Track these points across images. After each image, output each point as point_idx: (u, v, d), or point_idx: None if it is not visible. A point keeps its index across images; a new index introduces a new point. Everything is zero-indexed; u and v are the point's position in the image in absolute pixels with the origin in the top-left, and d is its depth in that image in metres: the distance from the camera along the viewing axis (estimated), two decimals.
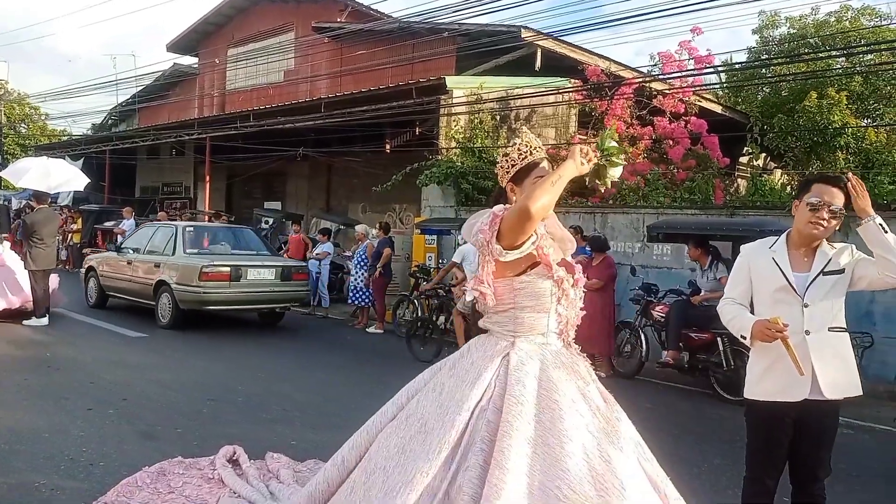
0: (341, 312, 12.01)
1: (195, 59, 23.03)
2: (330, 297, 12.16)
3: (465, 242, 8.12)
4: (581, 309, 2.48)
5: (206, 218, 17.77)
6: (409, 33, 14.78)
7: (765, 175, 16.62)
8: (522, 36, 12.88)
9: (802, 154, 15.38)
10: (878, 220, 2.67)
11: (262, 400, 5.97)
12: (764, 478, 2.89)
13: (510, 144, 2.46)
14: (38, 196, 9.66)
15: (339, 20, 17.19)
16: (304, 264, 11.17)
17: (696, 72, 12.48)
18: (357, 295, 10.65)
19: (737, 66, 17.93)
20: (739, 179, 16.22)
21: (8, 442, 4.50)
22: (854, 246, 2.89)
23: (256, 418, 5.41)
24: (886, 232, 2.66)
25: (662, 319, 7.51)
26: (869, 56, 16.67)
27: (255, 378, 6.85)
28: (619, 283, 8.31)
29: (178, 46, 22.85)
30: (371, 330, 10.29)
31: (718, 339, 6.88)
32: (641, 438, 2.43)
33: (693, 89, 12.70)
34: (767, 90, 18.55)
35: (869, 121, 16.68)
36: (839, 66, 16.80)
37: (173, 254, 9.65)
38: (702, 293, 7.32)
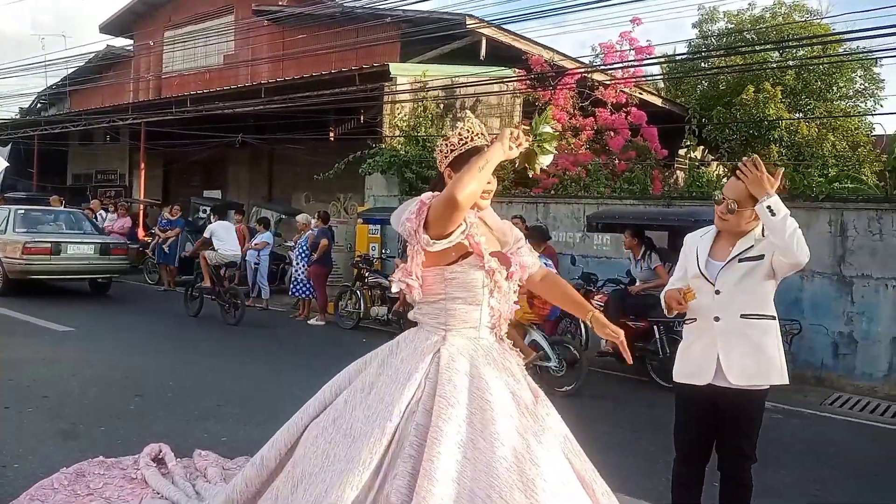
0: (283, 304, 11.78)
1: (130, 41, 22.16)
2: (272, 289, 11.90)
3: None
4: (515, 303, 2.43)
5: (142, 207, 17.20)
6: (352, 18, 14.54)
7: (702, 167, 17.03)
8: (467, 24, 12.82)
9: (738, 146, 15.82)
10: (769, 202, 2.62)
11: (194, 395, 5.77)
12: (686, 459, 2.96)
13: (453, 129, 2.37)
14: None
15: (280, 3, 16.78)
16: (122, 241, 12.60)
17: (636, 62, 12.65)
18: (298, 286, 10.44)
19: (677, 58, 18.30)
20: (679, 171, 16.58)
21: None
22: None
23: (187, 414, 5.22)
24: (774, 214, 2.62)
25: (601, 308, 7.59)
26: (801, 52, 17.29)
27: (188, 372, 6.63)
28: (560, 273, 8.35)
29: (111, 27, 21.91)
30: (312, 322, 10.10)
31: (655, 327, 6.99)
32: (569, 432, 2.40)
33: (634, 80, 12.87)
34: (706, 83, 19.00)
35: (801, 115, 17.27)
36: (774, 60, 17.33)
37: (4, 232, 11.10)
38: (637, 283, 7.42)
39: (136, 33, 21.53)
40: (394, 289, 2.39)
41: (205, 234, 10.06)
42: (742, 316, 2.79)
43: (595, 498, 2.30)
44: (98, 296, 11.70)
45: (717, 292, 2.81)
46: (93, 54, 21.97)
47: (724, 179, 15.29)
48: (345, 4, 14.19)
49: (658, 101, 16.26)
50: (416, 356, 2.25)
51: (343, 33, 15.10)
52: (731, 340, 2.79)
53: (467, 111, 2.59)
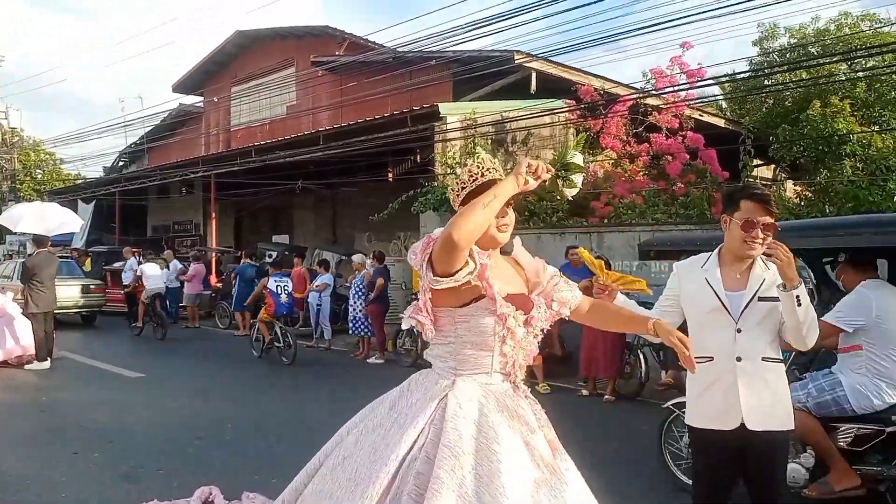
0: (346, 343, 11.97)
1: (200, 98, 23.44)
2: (335, 328, 12.12)
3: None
4: (536, 348, 2.30)
5: (214, 255, 17.93)
6: (404, 62, 14.94)
7: (772, 186, 16.42)
8: (515, 59, 12.95)
9: (809, 164, 15.18)
10: (798, 292, 2.53)
11: (250, 437, 5.92)
12: (708, 502, 2.79)
13: (463, 166, 2.29)
14: (38, 240, 9.78)
15: (336, 53, 17.43)
16: (99, 282, 15.55)
17: (687, 86, 12.43)
18: (357, 325, 10.61)
19: (738, 76, 17.84)
20: None
21: None
22: None
23: (242, 456, 5.35)
24: (801, 304, 2.54)
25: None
26: (871, 62, 16.57)
27: (247, 414, 6.81)
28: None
29: (183, 86, 23.27)
30: (372, 360, 10.22)
31: None
32: (588, 490, 2.25)
33: (686, 103, 12.64)
34: (770, 101, 18.44)
35: (876, 127, 16.45)
36: (842, 73, 16.66)
37: (11, 279, 13.94)
38: None
39: (205, 90, 22.77)
40: (404, 325, 2.36)
41: (136, 273, 13.69)
42: (763, 359, 2.67)
43: None
44: (171, 341, 12.21)
45: (739, 331, 2.67)
46: (167, 112, 23.34)
47: (796, 199, 14.72)
48: (396, 50, 14.59)
49: (720, 122, 15.88)
50: (424, 401, 2.17)
51: (397, 77, 15.52)
52: (754, 383, 2.65)
53: (478, 149, 2.53)
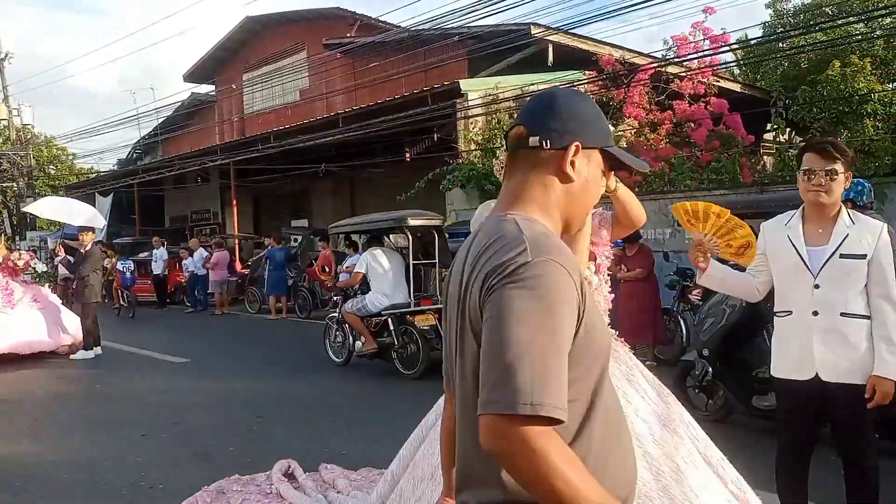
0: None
1: (212, 87, 23.44)
2: None
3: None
4: (609, 292, 2.45)
5: (237, 241, 18.04)
6: (420, 41, 14.88)
7: (791, 150, 16.35)
8: (532, 33, 12.88)
9: (829, 125, 15.09)
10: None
11: (309, 414, 6.05)
12: (790, 451, 2.91)
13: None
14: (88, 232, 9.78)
15: (349, 35, 17.36)
16: None
17: (711, 52, 12.34)
18: None
19: (752, 42, 17.66)
20: (765, 157, 15.95)
21: (69, 472, 4.62)
22: (885, 227, 2.74)
23: (305, 433, 5.47)
24: None
25: (700, 302, 7.41)
26: (888, 20, 16.35)
27: (301, 394, 6.93)
28: (656, 271, 8.22)
29: (194, 76, 23.28)
30: None
31: None
32: (692, 418, 2.40)
33: (711, 69, 12.56)
34: (786, 64, 18.26)
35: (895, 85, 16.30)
36: (859, 32, 16.47)
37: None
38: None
39: (217, 79, 22.76)
40: None
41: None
42: (842, 314, 2.70)
43: (726, 483, 2.30)
44: (205, 327, 12.38)
45: (817, 287, 2.72)
46: (179, 103, 23.37)
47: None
48: (411, 28, 14.54)
49: (737, 88, 15.78)
50: None
51: (412, 57, 15.47)
52: (830, 338, 2.71)
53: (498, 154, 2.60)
